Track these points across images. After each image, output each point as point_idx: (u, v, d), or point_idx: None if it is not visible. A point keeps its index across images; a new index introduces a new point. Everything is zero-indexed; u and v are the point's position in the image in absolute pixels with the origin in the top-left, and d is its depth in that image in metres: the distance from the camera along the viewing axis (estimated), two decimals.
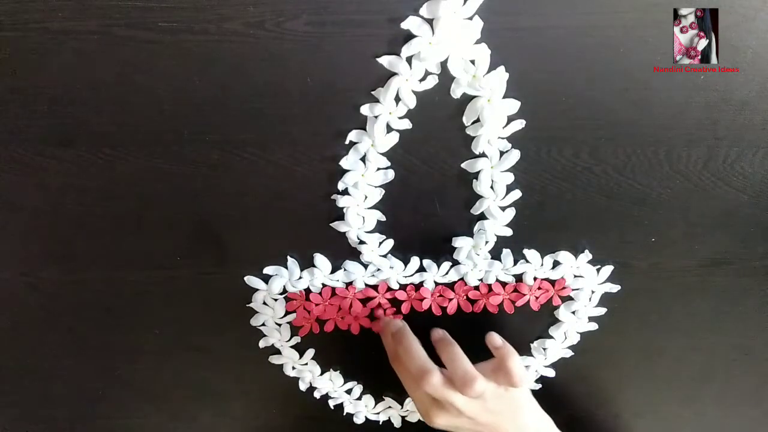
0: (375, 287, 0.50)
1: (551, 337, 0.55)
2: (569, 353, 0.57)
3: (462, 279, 0.50)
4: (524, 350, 0.56)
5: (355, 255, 0.48)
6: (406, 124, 0.41)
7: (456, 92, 0.39)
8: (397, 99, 0.39)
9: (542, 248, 0.48)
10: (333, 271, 0.49)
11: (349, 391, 0.59)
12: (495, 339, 0.45)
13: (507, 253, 0.48)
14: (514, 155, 0.42)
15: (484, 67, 0.38)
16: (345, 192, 0.44)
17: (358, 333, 0.53)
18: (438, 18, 0.35)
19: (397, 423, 0.62)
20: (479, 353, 0.55)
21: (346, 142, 0.41)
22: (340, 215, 0.45)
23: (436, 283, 0.50)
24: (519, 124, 0.41)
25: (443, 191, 0.45)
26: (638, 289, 0.52)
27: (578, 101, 0.40)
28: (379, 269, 0.48)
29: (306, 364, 0.55)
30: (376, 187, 0.44)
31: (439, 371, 0.44)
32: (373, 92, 0.39)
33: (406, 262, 0.48)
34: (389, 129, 0.41)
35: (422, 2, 0.35)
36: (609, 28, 0.37)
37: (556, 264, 0.49)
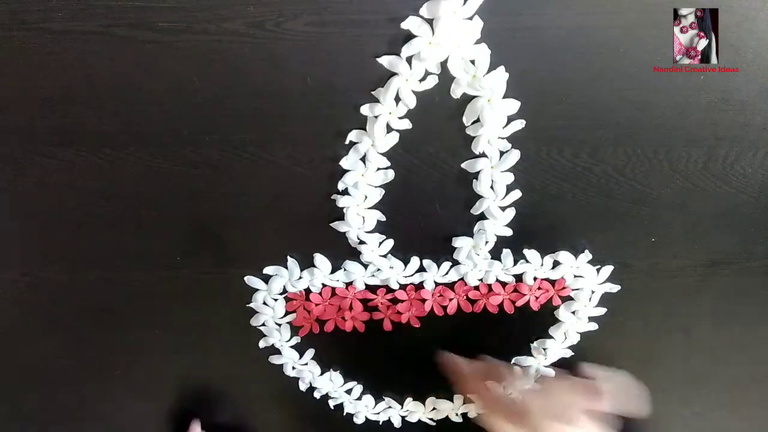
0: (374, 290, 0.50)
1: (551, 337, 0.55)
2: (569, 353, 0.56)
3: (462, 279, 0.50)
4: (524, 350, 0.56)
5: (355, 255, 0.48)
6: (406, 124, 0.41)
7: (456, 92, 0.39)
8: (397, 99, 0.39)
9: (542, 248, 0.48)
10: (333, 271, 0.49)
11: (349, 391, 0.59)
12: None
13: (507, 253, 0.48)
14: (514, 155, 0.42)
15: (484, 67, 0.38)
16: (345, 192, 0.44)
17: (358, 332, 0.53)
18: (438, 18, 0.35)
19: (397, 423, 0.62)
20: (478, 353, 0.55)
21: (346, 142, 0.41)
22: (340, 215, 0.45)
23: (436, 283, 0.50)
24: (519, 124, 0.41)
25: (443, 191, 0.44)
26: (638, 289, 0.52)
27: (578, 101, 0.40)
28: (379, 269, 0.48)
29: (306, 364, 0.55)
30: (376, 187, 0.44)
31: None
32: (373, 92, 0.39)
33: (406, 262, 0.48)
34: (389, 129, 0.41)
35: (422, 2, 0.35)
36: (609, 28, 0.37)
37: (556, 264, 0.49)
